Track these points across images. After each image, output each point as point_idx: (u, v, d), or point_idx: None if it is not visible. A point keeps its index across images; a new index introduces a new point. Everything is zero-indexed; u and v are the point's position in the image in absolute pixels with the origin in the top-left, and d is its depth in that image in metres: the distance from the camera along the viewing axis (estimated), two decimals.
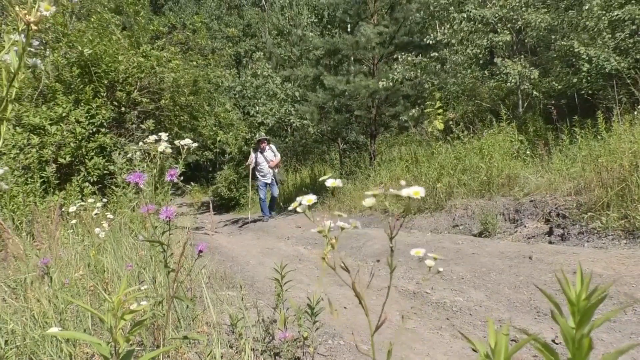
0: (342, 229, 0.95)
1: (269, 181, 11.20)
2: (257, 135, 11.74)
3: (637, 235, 4.68)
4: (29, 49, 0.84)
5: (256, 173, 11.30)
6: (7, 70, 0.82)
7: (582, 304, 0.69)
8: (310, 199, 0.94)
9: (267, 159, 11.09)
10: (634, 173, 5.04)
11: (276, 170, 11.27)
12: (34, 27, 0.82)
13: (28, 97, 8.15)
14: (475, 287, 4.01)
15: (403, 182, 0.90)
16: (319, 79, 11.78)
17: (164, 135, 2.13)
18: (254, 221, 11.70)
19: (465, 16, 9.02)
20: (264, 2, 27.33)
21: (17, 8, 0.80)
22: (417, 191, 0.87)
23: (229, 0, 27.97)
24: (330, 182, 0.99)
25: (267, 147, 11.19)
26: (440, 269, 0.97)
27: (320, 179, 1.07)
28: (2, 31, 7.72)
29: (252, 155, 11.27)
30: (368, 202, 0.90)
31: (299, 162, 16.18)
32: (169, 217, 1.76)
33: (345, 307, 3.67)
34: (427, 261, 1.00)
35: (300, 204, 0.94)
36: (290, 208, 0.98)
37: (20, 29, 0.81)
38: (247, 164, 11.49)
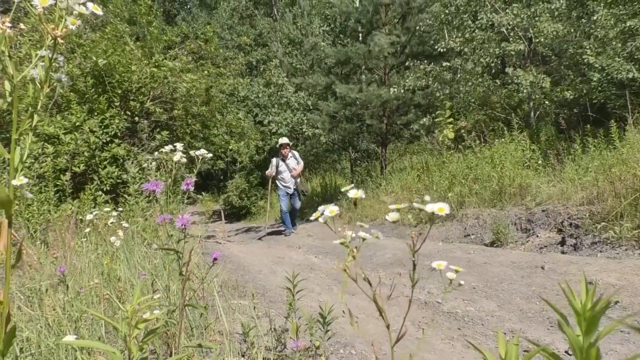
0: (363, 239, 0.95)
1: (291, 191, 9.99)
2: (278, 140, 10.19)
3: None
4: (54, 63, 0.86)
5: (278, 183, 10.07)
6: (34, 84, 0.84)
7: (588, 314, 0.70)
8: (332, 209, 0.94)
9: (290, 167, 9.92)
10: None
11: (298, 180, 10.11)
12: (61, 42, 0.84)
13: (43, 106, 8.25)
14: (487, 297, 4.00)
15: (427, 197, 0.90)
16: (331, 87, 11.82)
17: (179, 146, 2.16)
18: (272, 233, 10.85)
19: (480, 24, 9.03)
20: (275, 12, 27.50)
21: (44, 23, 0.83)
22: (442, 207, 0.87)
23: (241, 10, 28.16)
24: (352, 193, 0.99)
25: (290, 154, 9.97)
26: (462, 282, 0.98)
27: (343, 189, 1.07)
28: (19, 43, 7.83)
29: (273, 163, 10.02)
30: (393, 216, 0.90)
31: (310, 171, 16.20)
32: (185, 225, 1.78)
33: (356, 317, 3.67)
34: (449, 274, 0.99)
35: (322, 214, 0.94)
36: (312, 218, 0.98)
37: (47, 44, 0.84)
38: (267, 173, 10.19)
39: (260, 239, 10.44)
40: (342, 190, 1.13)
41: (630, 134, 6.03)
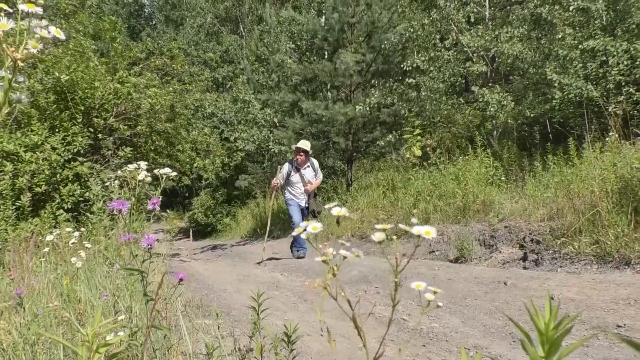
0: (344, 257, 0.93)
1: (303, 204, 8.20)
2: (294, 145, 8.36)
3: (608, 260, 4.78)
4: (14, 84, 0.85)
5: (287, 192, 8.23)
6: None
7: (551, 334, 0.72)
8: (315, 226, 0.92)
9: (306, 178, 8.10)
10: (604, 199, 5.15)
11: (311, 198, 8.29)
12: (21, 64, 0.83)
13: (1, 123, 8.07)
14: (451, 313, 4.04)
15: (414, 220, 0.89)
16: (297, 104, 11.86)
17: (143, 164, 2.14)
18: (272, 259, 8.70)
19: (445, 44, 9.23)
20: (242, 28, 27.55)
21: (4, 45, 0.82)
22: (429, 231, 0.87)
23: (208, 27, 28.13)
24: (335, 211, 0.97)
25: (308, 163, 8.17)
26: (440, 304, 0.98)
27: (326, 206, 1.06)
28: None
29: (284, 169, 8.15)
30: (378, 236, 0.90)
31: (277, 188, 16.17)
32: (151, 245, 1.75)
33: (321, 335, 3.66)
34: (427, 295, 1.00)
35: (304, 231, 0.92)
36: (294, 234, 0.98)
37: (6, 65, 0.83)
38: (272, 183, 8.34)
39: (259, 263, 8.43)
40: (326, 207, 1.12)
41: (587, 151, 6.21)
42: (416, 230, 0.85)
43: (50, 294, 3.16)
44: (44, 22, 0.88)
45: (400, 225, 0.88)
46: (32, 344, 2.31)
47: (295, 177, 8.06)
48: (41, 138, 8.02)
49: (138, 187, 2.20)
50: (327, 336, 0.92)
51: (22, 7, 0.85)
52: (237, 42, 25.04)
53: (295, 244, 8.10)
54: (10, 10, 0.85)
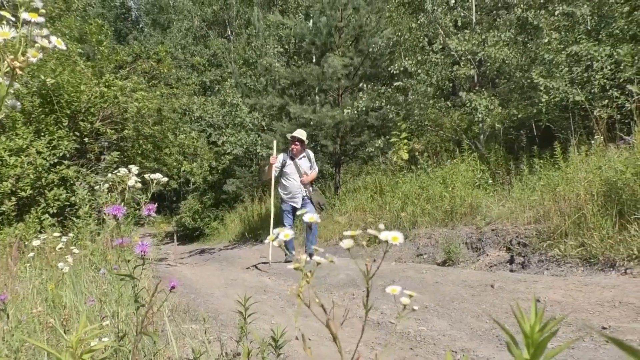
0: (318, 263, 0.94)
1: (298, 205, 7.71)
2: (289, 134, 8.01)
3: (594, 263, 4.82)
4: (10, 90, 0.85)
5: (280, 191, 7.86)
6: None
7: (536, 336, 0.72)
8: (287, 233, 0.94)
9: (301, 169, 7.70)
10: (589, 202, 5.20)
11: (311, 189, 7.86)
12: (19, 72, 0.83)
13: None
14: (439, 316, 4.05)
15: (382, 226, 0.90)
16: (285, 108, 11.86)
17: (134, 169, 2.12)
18: (285, 262, 7.84)
19: (433, 48, 9.30)
20: (229, 32, 27.50)
21: (4, 54, 0.82)
22: (395, 237, 0.88)
23: (195, 30, 28.05)
24: (307, 217, 0.99)
25: (303, 154, 7.82)
26: (415, 307, 0.99)
27: (298, 213, 1.08)
28: None
29: (279, 158, 7.78)
30: (346, 243, 0.91)
31: (264, 192, 16.13)
32: (144, 252, 1.73)
33: (309, 339, 3.65)
34: (403, 299, 1.00)
35: (276, 238, 0.94)
36: (266, 241, 0.98)
37: (3, 71, 0.82)
38: (271, 159, 7.80)
39: (256, 267, 8.00)
40: (297, 214, 1.13)
41: (573, 154, 6.27)
42: (383, 235, 0.87)
43: (35, 299, 3.13)
44: (45, 32, 0.88)
45: (369, 231, 0.89)
46: (16, 351, 2.29)
47: (290, 168, 7.67)
48: (26, 142, 7.94)
49: (127, 192, 2.19)
50: (302, 343, 0.92)
51: (24, 15, 0.85)
52: (224, 45, 24.98)
53: (285, 249, 7.53)
54: (13, 19, 0.85)
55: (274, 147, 8.05)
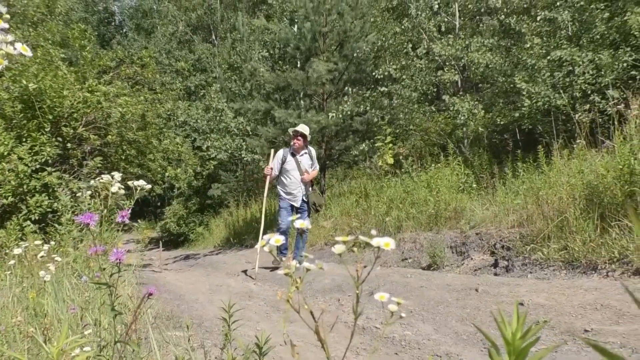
0: (308, 269, 0.95)
1: (297, 203, 7.28)
2: (291, 129, 7.47)
3: (576, 266, 4.86)
4: None
5: (278, 188, 7.46)
6: None
7: (518, 343, 0.73)
8: (278, 239, 0.94)
9: (302, 166, 7.29)
10: (572, 205, 5.25)
11: (309, 190, 7.47)
12: None
13: None
14: (423, 321, 4.06)
15: (374, 232, 0.91)
16: (270, 113, 11.83)
17: (117, 176, 2.11)
18: (273, 268, 7.65)
19: (417, 53, 9.35)
20: (214, 37, 27.42)
21: None
22: (387, 242, 0.88)
23: (179, 35, 27.91)
24: (298, 223, 0.99)
25: (305, 150, 7.38)
26: (403, 315, 0.99)
27: (289, 218, 1.09)
28: None
29: (279, 154, 7.41)
30: (338, 248, 0.90)
31: (250, 197, 16.08)
32: (120, 260, 1.72)
33: (295, 345, 3.64)
34: (391, 306, 1.00)
35: (267, 244, 0.94)
36: (257, 247, 0.98)
37: None
38: (265, 171, 7.57)
39: (244, 272, 7.84)
40: (289, 219, 1.13)
41: (555, 158, 6.33)
42: (376, 241, 0.87)
43: (15, 308, 3.08)
44: (10, 38, 0.86)
45: (361, 237, 0.89)
46: None
47: (290, 164, 7.22)
48: (7, 148, 7.84)
49: (110, 198, 2.17)
50: (290, 349, 0.92)
51: None
52: (209, 50, 24.90)
53: (277, 250, 7.23)
54: None
55: (271, 156, 7.58)
